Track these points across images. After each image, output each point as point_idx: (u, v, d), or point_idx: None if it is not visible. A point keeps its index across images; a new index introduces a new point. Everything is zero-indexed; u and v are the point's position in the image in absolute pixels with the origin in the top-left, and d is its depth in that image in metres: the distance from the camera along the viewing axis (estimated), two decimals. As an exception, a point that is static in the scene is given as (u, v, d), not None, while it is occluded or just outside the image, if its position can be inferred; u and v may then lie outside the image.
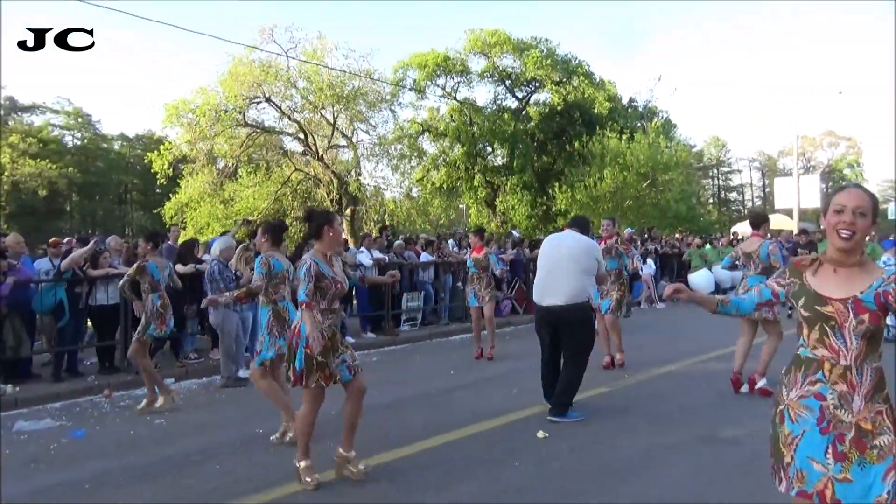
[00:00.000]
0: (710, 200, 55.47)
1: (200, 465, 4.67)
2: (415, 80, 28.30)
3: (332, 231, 4.18)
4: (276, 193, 24.48)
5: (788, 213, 28.23)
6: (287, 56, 22.58)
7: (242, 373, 7.36)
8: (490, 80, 29.94)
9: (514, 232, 18.48)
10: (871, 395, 2.18)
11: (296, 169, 25.44)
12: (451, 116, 29.33)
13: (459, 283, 10.19)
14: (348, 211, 24.80)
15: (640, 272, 14.46)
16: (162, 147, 23.79)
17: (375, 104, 25.16)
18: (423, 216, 28.16)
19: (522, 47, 28.77)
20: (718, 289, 15.47)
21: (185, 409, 6.52)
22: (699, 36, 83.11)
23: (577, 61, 29.50)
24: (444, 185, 29.65)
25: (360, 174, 25.98)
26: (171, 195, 24.95)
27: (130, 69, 68.97)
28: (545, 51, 28.80)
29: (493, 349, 8.82)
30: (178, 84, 73.98)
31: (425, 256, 12.27)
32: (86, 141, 44.39)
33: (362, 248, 11.37)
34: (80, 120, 43.54)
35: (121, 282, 6.53)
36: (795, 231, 20.38)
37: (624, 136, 25.64)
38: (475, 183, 29.61)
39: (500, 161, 30.12)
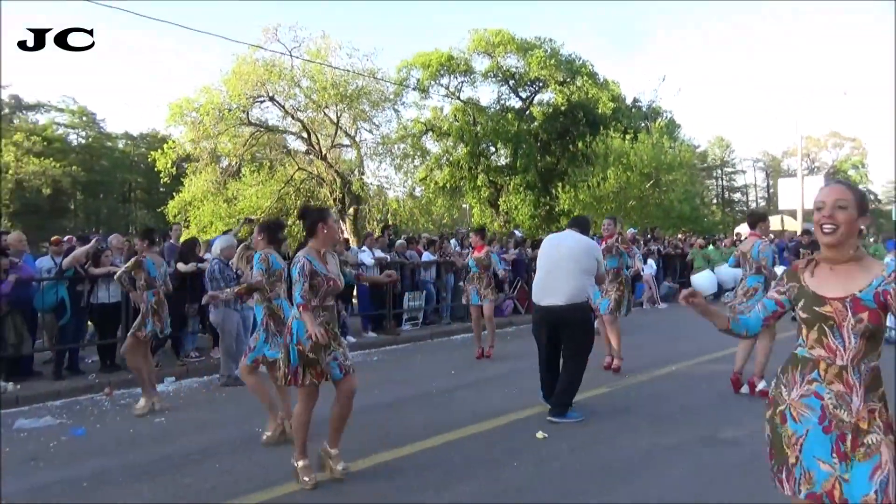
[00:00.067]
0: (714, 201, 55.33)
1: (200, 464, 4.67)
2: (418, 80, 28.30)
3: (326, 228, 4.17)
4: (279, 192, 24.50)
5: (792, 213, 28.15)
6: (291, 55, 22.62)
7: (243, 372, 7.34)
8: (494, 79, 29.92)
9: (516, 232, 18.45)
10: (866, 394, 2.16)
11: (299, 168, 25.47)
12: (455, 116, 29.31)
13: (461, 283, 10.17)
14: (351, 210, 24.82)
15: (642, 272, 14.43)
16: (165, 146, 23.85)
17: (379, 103, 25.17)
18: (426, 216, 28.16)
19: (526, 47, 28.74)
20: (721, 289, 15.43)
21: (186, 407, 6.53)
22: (703, 36, 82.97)
23: (580, 61, 29.46)
24: (448, 185, 29.63)
25: (363, 173, 26.00)
26: (174, 194, 25.00)
27: (135, 68, 69.25)
28: (549, 51, 28.76)
29: (493, 349, 8.82)
30: (183, 83, 74.25)
31: (427, 256, 12.26)
32: (90, 139, 44.56)
33: (364, 248, 11.37)
34: (84, 118, 43.72)
35: (118, 272, 6.53)
36: (799, 232, 20.32)
37: (627, 137, 25.59)
38: (478, 183, 29.59)
39: (503, 161, 30.09)
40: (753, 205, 60.68)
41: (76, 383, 7.29)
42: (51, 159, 36.98)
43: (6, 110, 38.35)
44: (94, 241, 8.17)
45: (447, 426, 5.40)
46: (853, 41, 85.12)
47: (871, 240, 16.98)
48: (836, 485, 2.13)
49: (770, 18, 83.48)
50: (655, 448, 4.79)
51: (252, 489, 4.14)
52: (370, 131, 25.96)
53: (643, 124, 28.69)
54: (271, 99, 23.56)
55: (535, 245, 13.40)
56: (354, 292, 11.03)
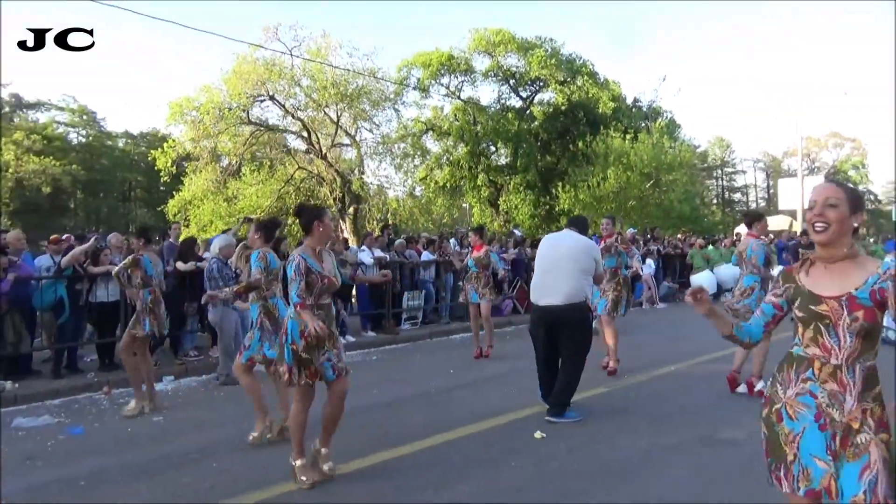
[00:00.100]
0: (714, 201, 55.34)
1: (198, 463, 4.66)
2: (419, 79, 28.29)
3: (321, 226, 4.17)
4: (279, 191, 24.49)
5: (792, 213, 28.15)
6: (291, 54, 22.62)
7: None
8: (494, 79, 29.90)
9: (515, 231, 18.44)
10: (861, 394, 2.16)
11: (299, 167, 25.47)
12: (455, 115, 29.30)
13: (460, 283, 10.17)
14: (351, 209, 24.81)
15: (641, 272, 14.44)
16: (166, 145, 23.84)
17: (379, 103, 25.16)
18: (426, 215, 28.14)
19: (527, 47, 28.72)
20: (721, 289, 15.43)
21: (184, 406, 6.53)
22: (703, 36, 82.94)
23: (581, 61, 29.44)
24: (448, 185, 29.62)
25: (363, 173, 25.99)
26: (174, 193, 25.00)
27: (135, 68, 69.21)
28: (549, 50, 28.74)
29: (492, 348, 8.81)
30: (183, 83, 74.12)
31: (426, 255, 12.26)
32: (90, 138, 44.53)
33: (363, 247, 11.37)
34: (84, 117, 43.68)
35: (116, 269, 6.51)
36: (799, 232, 20.32)
37: (628, 136, 25.57)
38: (478, 182, 29.58)
39: (503, 160, 30.08)
40: (754, 205, 60.69)
41: (75, 382, 7.29)
42: (51, 158, 36.96)
43: (6, 109, 38.34)
44: (92, 239, 8.16)
45: (446, 426, 5.39)
46: (853, 41, 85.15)
47: (871, 240, 16.99)
48: (831, 481, 2.14)
49: (770, 18, 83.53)
50: (654, 448, 4.78)
51: (250, 488, 4.13)
52: (370, 130, 25.99)
53: (643, 124, 28.67)
54: (271, 98, 23.55)
55: (535, 244, 13.40)
56: (353, 292, 11.03)
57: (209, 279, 7.12)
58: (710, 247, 17.13)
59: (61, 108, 42.29)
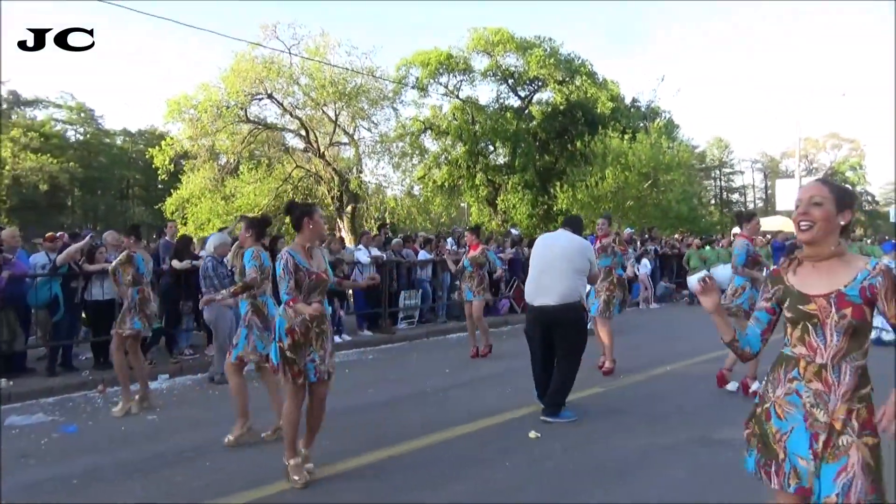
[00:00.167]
0: (712, 201, 55.40)
1: (192, 462, 4.65)
2: (417, 78, 28.29)
3: (311, 223, 4.15)
4: (276, 190, 24.47)
5: (790, 214, 28.13)
6: (290, 53, 22.60)
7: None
8: (493, 78, 29.91)
9: (513, 230, 18.45)
10: (850, 396, 2.14)
11: (297, 166, 25.45)
12: (454, 115, 29.31)
13: (457, 282, 10.17)
14: (349, 208, 24.80)
15: (637, 272, 14.45)
16: (163, 143, 23.81)
17: (377, 102, 25.15)
18: (424, 214, 28.13)
19: (525, 46, 28.73)
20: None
21: (179, 405, 6.51)
22: (703, 36, 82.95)
23: (579, 61, 29.47)
24: (446, 184, 29.63)
25: (361, 172, 25.97)
26: (172, 191, 24.96)
27: (133, 66, 69.06)
28: (548, 50, 28.76)
29: (490, 348, 8.78)
30: (181, 81, 73.99)
31: (423, 254, 12.25)
32: (88, 136, 44.44)
33: (360, 246, 11.35)
34: (82, 115, 43.58)
35: (111, 266, 6.47)
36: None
37: (626, 136, 25.60)
38: (477, 181, 29.59)
39: (501, 160, 30.10)
40: (751, 205, 60.71)
41: (69, 380, 7.27)
42: (48, 155, 36.87)
43: (4, 106, 38.25)
44: (88, 237, 8.14)
45: (441, 425, 5.39)
46: (851, 42, 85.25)
47: (868, 241, 17.00)
48: (812, 481, 2.14)
49: (770, 19, 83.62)
50: (650, 448, 4.78)
51: (244, 487, 4.12)
52: (369, 129, 25.97)
53: (642, 124, 28.71)
54: (270, 96, 23.53)
55: (532, 244, 13.40)
56: (350, 290, 11.00)
57: (204, 277, 7.10)
58: (707, 247, 17.13)
59: (59, 106, 42.21)
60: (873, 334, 2.34)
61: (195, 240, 10.39)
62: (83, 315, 8.23)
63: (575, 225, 6.00)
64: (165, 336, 8.52)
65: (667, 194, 25.37)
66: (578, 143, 27.36)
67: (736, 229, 24.08)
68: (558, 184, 26.45)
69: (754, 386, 6.18)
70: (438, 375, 7.63)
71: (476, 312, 8.73)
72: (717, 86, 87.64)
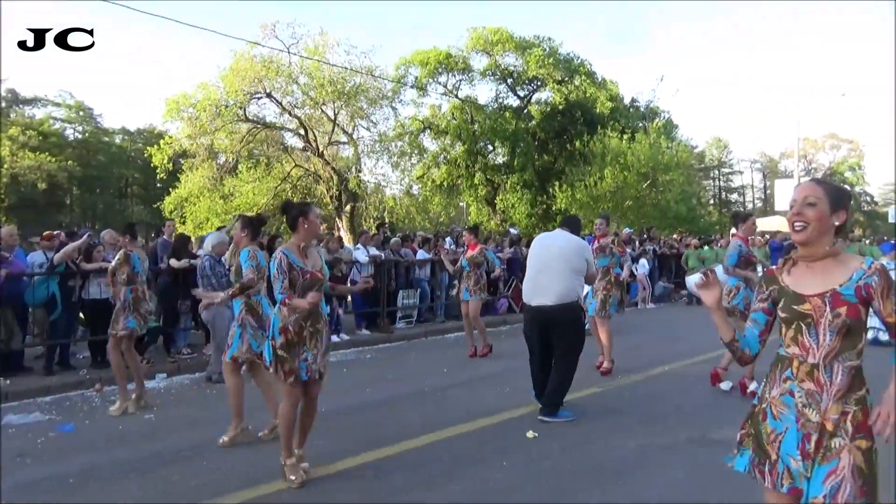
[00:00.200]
0: (711, 201, 55.43)
1: (189, 461, 4.64)
2: (416, 78, 28.27)
3: (307, 223, 4.13)
4: (275, 189, 24.45)
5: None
6: (289, 52, 22.59)
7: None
8: (492, 78, 29.90)
9: (512, 230, 18.44)
10: (843, 396, 2.13)
11: (296, 165, 25.44)
12: (453, 114, 29.30)
13: (455, 281, 10.16)
14: (348, 208, 24.79)
15: (636, 272, 14.45)
16: (162, 141, 23.79)
17: (376, 101, 25.15)
18: (423, 214, 28.13)
19: (525, 46, 28.73)
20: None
21: (176, 404, 6.50)
22: (702, 36, 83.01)
23: (579, 60, 29.47)
24: (445, 183, 29.62)
25: (360, 171, 25.97)
26: (171, 190, 24.93)
27: (133, 65, 69.02)
28: (547, 49, 28.76)
29: (490, 348, 8.76)
30: (181, 80, 73.96)
31: (422, 254, 12.24)
32: (87, 134, 44.39)
33: (359, 245, 11.34)
34: (81, 113, 43.53)
35: (111, 266, 6.44)
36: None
37: (625, 136, 25.60)
38: (475, 181, 29.58)
39: (500, 159, 30.10)
40: (750, 205, 60.77)
41: (66, 379, 7.25)
42: (46, 154, 36.82)
43: (3, 104, 38.19)
44: (85, 236, 8.12)
45: (439, 425, 5.38)
46: (851, 42, 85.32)
47: (867, 241, 17.00)
48: (803, 481, 2.13)
49: (769, 19, 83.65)
50: (648, 448, 4.77)
51: (240, 487, 4.11)
52: (368, 129, 25.98)
53: (641, 124, 28.71)
54: (269, 95, 23.52)
55: (531, 244, 13.39)
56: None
57: (202, 276, 7.09)
58: (706, 247, 17.15)
59: (58, 104, 42.17)
60: (870, 334, 2.34)
61: (193, 239, 10.37)
62: (81, 314, 8.21)
63: (573, 225, 5.99)
64: (163, 335, 8.50)
65: (665, 194, 25.37)
66: (577, 143, 27.36)
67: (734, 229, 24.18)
68: (557, 183, 26.45)
69: (752, 386, 6.18)
70: (436, 375, 7.63)
71: (472, 312, 8.73)
72: (716, 86, 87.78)
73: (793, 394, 2.20)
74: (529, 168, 28.34)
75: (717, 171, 61.71)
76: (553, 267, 5.54)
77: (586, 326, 6.94)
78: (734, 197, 64.26)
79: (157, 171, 23.87)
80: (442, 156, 29.81)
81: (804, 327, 2.19)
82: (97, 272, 7.74)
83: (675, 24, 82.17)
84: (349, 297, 11.12)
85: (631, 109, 31.07)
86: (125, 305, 6.07)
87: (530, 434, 5.08)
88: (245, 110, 23.67)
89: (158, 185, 32.89)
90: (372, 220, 24.07)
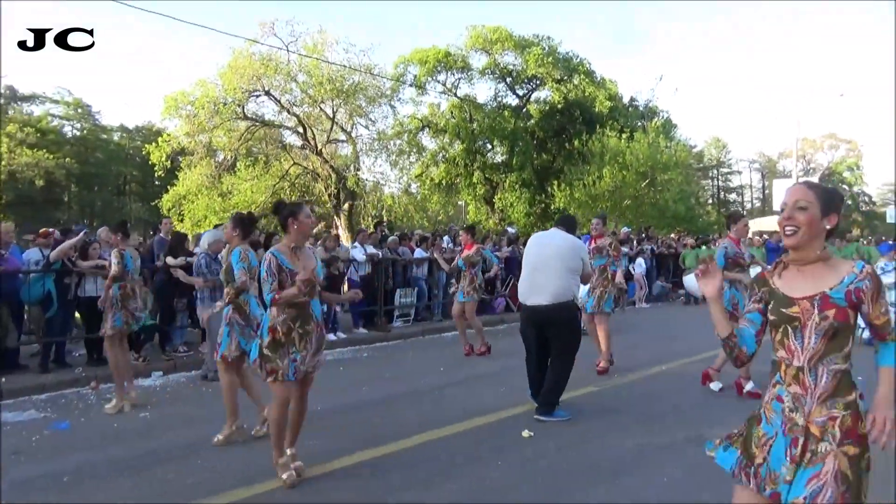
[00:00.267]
0: (710, 201, 55.48)
1: (185, 460, 4.62)
2: (415, 76, 28.26)
3: (296, 223, 4.09)
4: (273, 187, 24.44)
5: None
6: (287, 50, 22.56)
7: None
8: (491, 76, 29.91)
9: (509, 229, 18.44)
10: (827, 399, 2.11)
11: (294, 163, 25.41)
12: (452, 113, 29.29)
13: (452, 280, 10.16)
14: (346, 206, 24.77)
15: (633, 271, 14.45)
16: (160, 139, 23.74)
17: (375, 99, 25.13)
18: (422, 212, 28.14)
19: (524, 45, 28.74)
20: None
21: (172, 402, 6.48)
22: (701, 36, 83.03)
23: (578, 59, 29.49)
24: (443, 182, 29.62)
25: (358, 169, 25.96)
26: (169, 187, 24.90)
27: (131, 62, 68.92)
28: (546, 48, 28.78)
29: (488, 346, 8.75)
30: (179, 78, 73.90)
31: (419, 252, 12.22)
32: (85, 132, 44.32)
33: (356, 244, 11.32)
34: (79, 110, 43.48)
35: (113, 272, 6.39)
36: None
37: (624, 136, 25.61)
38: (474, 180, 29.58)
39: (499, 158, 30.11)
40: (749, 205, 60.85)
41: (62, 377, 7.23)
42: (44, 151, 36.76)
43: (2, 101, 38.10)
44: (81, 233, 8.09)
45: (436, 423, 5.37)
46: (850, 43, 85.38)
47: (864, 241, 17.00)
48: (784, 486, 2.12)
49: (768, 19, 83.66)
50: (643, 447, 4.76)
51: (236, 485, 4.10)
52: (366, 127, 25.97)
53: (640, 123, 28.72)
54: (267, 93, 23.49)
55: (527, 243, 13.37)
56: (345, 288, 10.99)
57: (198, 274, 7.07)
58: (703, 247, 17.16)
59: (56, 101, 42.11)
60: (867, 334, 2.32)
61: (190, 236, 10.35)
62: (76, 313, 8.18)
63: (568, 224, 5.97)
64: (159, 333, 8.49)
65: (664, 194, 25.40)
66: (576, 142, 27.37)
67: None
68: (556, 182, 26.46)
69: (748, 386, 6.18)
70: (433, 374, 7.62)
71: (468, 313, 8.75)
72: (715, 86, 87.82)
73: (781, 399, 2.20)
74: (528, 167, 28.35)
75: (715, 171, 61.78)
76: (549, 266, 5.52)
77: (582, 326, 6.93)
78: (732, 197, 64.33)
79: (156, 168, 23.85)
80: (440, 154, 29.80)
81: (791, 330, 2.18)
82: (93, 270, 7.71)
83: (674, 24, 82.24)
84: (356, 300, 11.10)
85: (630, 109, 31.10)
86: (113, 302, 6.04)
87: (526, 433, 5.07)
88: (243, 108, 23.65)
89: (157, 182, 32.84)
90: (370, 219, 24.07)
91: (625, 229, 16.97)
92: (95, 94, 66.38)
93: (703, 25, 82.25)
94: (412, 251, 12.23)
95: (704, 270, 2.40)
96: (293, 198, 24.63)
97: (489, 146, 30.07)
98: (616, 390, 6.67)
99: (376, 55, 64.91)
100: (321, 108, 24.31)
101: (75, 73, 65.21)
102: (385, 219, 23.19)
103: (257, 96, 23.81)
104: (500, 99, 30.84)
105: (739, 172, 64.45)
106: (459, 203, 33.18)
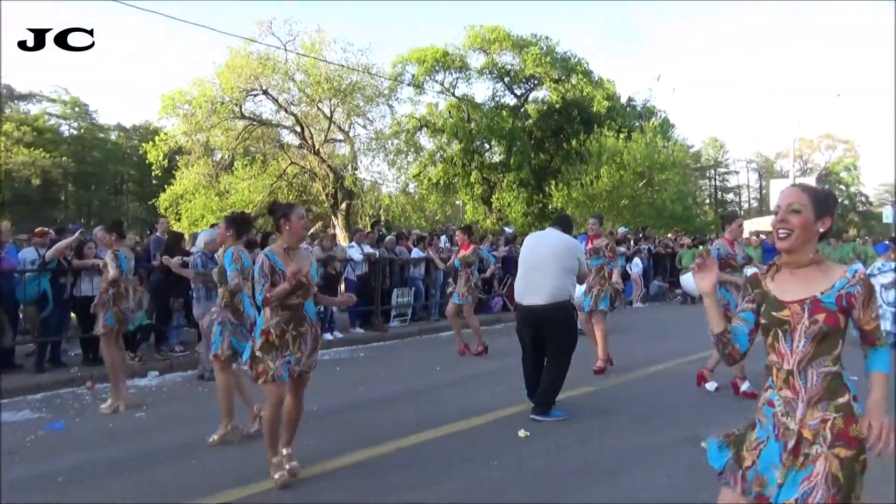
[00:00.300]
0: (707, 201, 55.54)
1: (180, 460, 4.61)
2: (413, 76, 28.23)
3: (287, 224, 4.07)
4: (271, 187, 24.38)
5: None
6: (285, 49, 22.49)
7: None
8: (489, 76, 29.88)
9: (507, 229, 18.45)
10: (818, 402, 2.11)
11: (292, 162, 25.36)
12: (449, 112, 29.26)
13: (450, 280, 10.16)
14: (344, 205, 24.74)
15: (629, 271, 14.46)
16: (157, 138, 23.67)
17: (373, 99, 25.09)
18: (419, 212, 28.11)
19: (522, 44, 28.71)
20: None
21: (168, 402, 6.48)
22: (698, 36, 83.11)
23: (576, 59, 29.48)
24: (441, 182, 29.59)
25: (356, 169, 25.92)
26: (166, 186, 24.84)
27: (129, 61, 68.81)
28: (544, 48, 28.75)
29: (485, 346, 8.74)
30: (177, 77, 73.69)
31: (416, 252, 12.21)
32: (82, 130, 44.20)
33: (353, 243, 11.31)
34: (76, 109, 43.33)
35: (111, 276, 6.35)
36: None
37: (621, 136, 25.61)
38: (472, 179, 29.55)
39: (497, 158, 30.07)
40: (746, 205, 60.96)
41: (58, 376, 7.21)
42: (40, 150, 36.64)
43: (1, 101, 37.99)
44: (77, 233, 8.07)
45: (431, 423, 5.36)
46: (847, 43, 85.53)
47: (860, 241, 17.03)
48: (775, 489, 2.11)
49: (765, 20, 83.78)
50: (640, 447, 4.77)
51: (231, 485, 4.09)
52: (364, 126, 25.91)
53: (637, 123, 28.74)
54: (265, 92, 23.43)
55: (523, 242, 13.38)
56: (342, 287, 10.98)
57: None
58: (700, 247, 17.19)
59: (53, 100, 41.93)
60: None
61: (186, 236, 10.33)
62: (72, 312, 8.16)
63: (564, 224, 5.97)
64: (155, 333, 8.47)
65: (661, 194, 25.41)
66: (574, 142, 27.36)
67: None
68: (553, 182, 26.45)
69: (744, 386, 6.18)
70: (430, 373, 7.61)
71: (466, 314, 8.78)
72: (712, 86, 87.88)
73: (772, 403, 2.20)
74: (526, 167, 28.34)
75: (713, 171, 61.86)
76: (545, 266, 5.52)
77: (579, 326, 6.92)
78: (730, 197, 64.42)
79: (153, 167, 23.74)
80: (438, 154, 29.78)
81: (781, 334, 2.18)
82: (89, 269, 7.69)
83: (672, 24, 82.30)
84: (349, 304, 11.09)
85: (627, 108, 31.11)
86: (104, 302, 6.02)
87: (522, 433, 5.07)
88: (241, 107, 23.59)
89: (154, 181, 32.70)
90: (368, 218, 24.02)
91: (622, 229, 16.98)
92: (92, 92, 66.22)
93: (700, 25, 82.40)
94: (409, 251, 12.22)
95: (701, 265, 2.39)
96: (291, 197, 24.59)
97: (487, 146, 30.04)
98: (612, 390, 6.67)
99: (374, 55, 64.81)
100: (319, 108, 24.26)
101: (72, 72, 65.09)
102: (382, 218, 23.17)
103: (255, 95, 23.76)
104: (497, 99, 30.84)
105: (737, 172, 64.60)
106: (457, 203, 33.14)
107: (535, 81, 29.80)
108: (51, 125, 41.63)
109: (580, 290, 7.16)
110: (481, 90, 55.32)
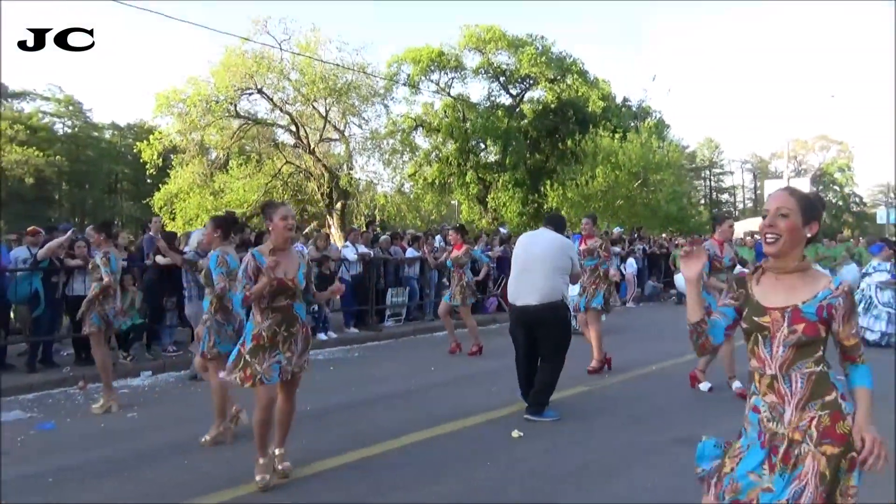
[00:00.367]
0: (702, 201, 55.68)
1: (172, 460, 4.58)
2: (409, 75, 28.21)
3: (271, 224, 4.04)
4: (266, 186, 24.34)
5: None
6: (280, 48, 22.47)
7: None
8: (484, 76, 29.89)
9: (501, 229, 18.45)
10: (805, 403, 2.10)
11: (287, 161, 25.32)
12: (445, 112, 29.27)
13: (445, 280, 10.15)
14: (339, 205, 24.71)
15: (623, 272, 14.47)
16: (152, 137, 23.59)
17: (368, 98, 25.07)
18: (415, 212, 28.10)
19: (517, 44, 28.73)
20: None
21: (160, 402, 6.45)
22: (694, 37, 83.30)
23: (571, 59, 29.51)
24: (437, 181, 29.60)
25: (351, 168, 25.89)
26: (160, 185, 24.76)
27: (123, 59, 68.56)
28: (540, 48, 28.77)
29: (477, 346, 8.73)
30: (171, 75, 73.46)
31: (411, 252, 12.19)
32: (76, 129, 44.00)
33: (347, 243, 11.29)
34: (71, 108, 43.13)
35: (107, 279, 6.30)
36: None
37: (617, 136, 25.66)
38: (467, 179, 29.56)
39: (492, 158, 30.08)
40: (741, 206, 61.14)
41: (49, 376, 7.17)
42: (34, 148, 36.47)
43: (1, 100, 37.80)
44: (69, 232, 8.02)
45: (425, 424, 5.34)
46: (842, 44, 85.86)
47: (852, 242, 17.07)
48: (758, 493, 2.09)
49: (761, 21, 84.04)
50: (633, 448, 4.76)
51: (222, 486, 4.06)
52: (359, 126, 25.90)
53: (632, 123, 28.80)
54: (260, 91, 23.38)
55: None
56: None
57: (188, 274, 7.03)
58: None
59: (47, 99, 41.74)
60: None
61: (179, 235, 10.29)
62: (64, 312, 8.11)
63: (556, 223, 5.95)
64: (148, 332, 8.43)
65: (656, 194, 25.47)
66: (569, 142, 27.40)
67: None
68: (549, 182, 26.48)
69: (735, 385, 6.18)
70: (424, 373, 7.60)
71: (464, 315, 8.80)
72: (707, 86, 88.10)
73: (757, 409, 2.19)
74: (521, 167, 28.37)
75: (707, 172, 62.03)
76: (537, 266, 5.50)
77: (573, 326, 6.91)
78: (725, 197, 64.61)
79: (147, 166, 23.67)
80: (434, 154, 29.78)
81: (760, 339, 2.17)
82: (81, 268, 7.64)
83: (667, 25, 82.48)
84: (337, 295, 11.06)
85: (623, 109, 31.18)
86: (90, 302, 5.98)
87: (516, 433, 5.05)
88: (236, 106, 23.54)
89: (148, 180, 32.58)
90: (363, 218, 24.02)
91: (617, 229, 16.99)
92: (86, 91, 66.01)
93: (696, 26, 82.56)
94: (404, 251, 12.20)
95: (689, 252, 2.37)
96: (286, 197, 24.57)
97: (482, 146, 30.04)
98: (606, 390, 6.66)
99: (369, 54, 64.67)
100: (314, 107, 24.22)
101: (66, 71, 64.84)
102: (378, 218, 23.15)
103: (250, 94, 23.72)
104: (493, 98, 30.85)
105: (731, 173, 64.79)
106: (452, 202, 33.15)
107: (531, 81, 29.81)
108: (45, 123, 41.45)
109: (574, 290, 7.14)
110: (477, 90, 55.33)
